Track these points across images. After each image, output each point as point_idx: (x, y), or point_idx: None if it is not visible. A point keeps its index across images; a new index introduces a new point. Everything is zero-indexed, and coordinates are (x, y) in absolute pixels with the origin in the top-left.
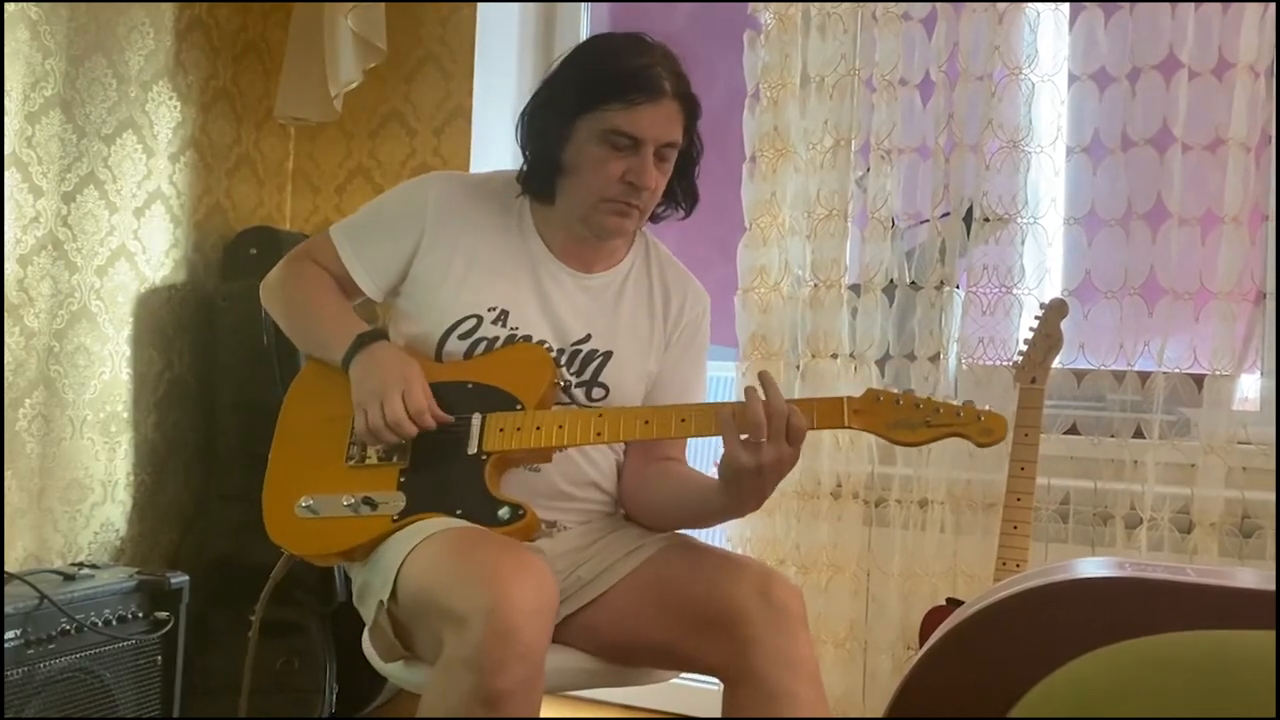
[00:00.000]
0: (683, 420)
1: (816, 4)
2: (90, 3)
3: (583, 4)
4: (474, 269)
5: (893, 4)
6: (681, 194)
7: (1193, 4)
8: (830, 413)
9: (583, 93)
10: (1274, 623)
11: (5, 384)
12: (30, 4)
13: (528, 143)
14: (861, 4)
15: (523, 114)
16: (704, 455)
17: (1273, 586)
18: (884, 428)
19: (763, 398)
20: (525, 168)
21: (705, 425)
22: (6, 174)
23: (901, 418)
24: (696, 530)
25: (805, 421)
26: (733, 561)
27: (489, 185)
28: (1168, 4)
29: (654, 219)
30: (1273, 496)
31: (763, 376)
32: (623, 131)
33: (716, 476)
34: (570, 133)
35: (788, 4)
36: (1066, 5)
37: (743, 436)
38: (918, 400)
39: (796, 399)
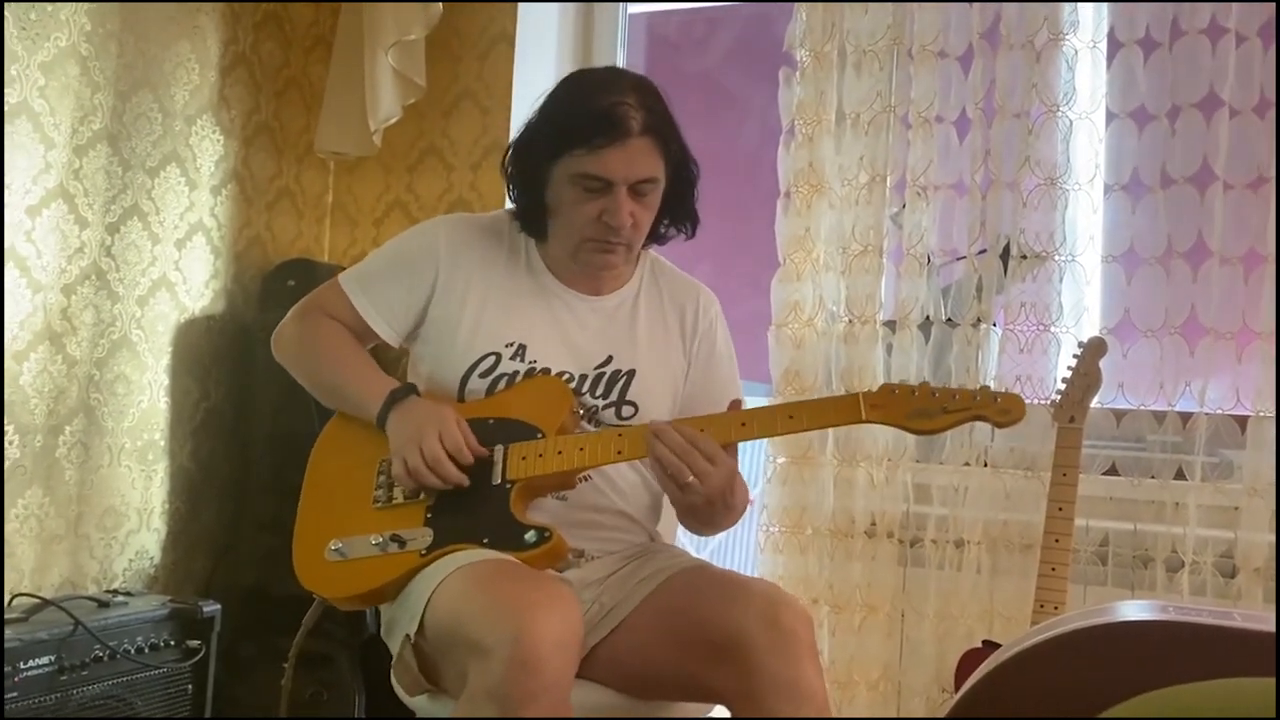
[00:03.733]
0: (701, 430)
1: (853, 42)
2: (139, 2)
3: (623, 9)
4: (488, 307)
5: (929, 42)
6: (682, 216)
7: (1234, 43)
8: (848, 409)
9: (552, 138)
10: None
11: (45, 410)
12: (82, 41)
13: (512, 185)
14: (897, 43)
15: (504, 158)
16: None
17: None
18: (902, 418)
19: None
20: (515, 208)
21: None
22: (54, 205)
23: (919, 407)
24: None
25: (714, 444)
26: (740, 585)
27: (494, 224)
28: (1208, 43)
29: (659, 240)
30: None
31: (656, 429)
32: (591, 174)
33: None
34: (548, 176)
35: (824, 42)
36: (1104, 43)
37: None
38: (933, 389)
39: (817, 398)
